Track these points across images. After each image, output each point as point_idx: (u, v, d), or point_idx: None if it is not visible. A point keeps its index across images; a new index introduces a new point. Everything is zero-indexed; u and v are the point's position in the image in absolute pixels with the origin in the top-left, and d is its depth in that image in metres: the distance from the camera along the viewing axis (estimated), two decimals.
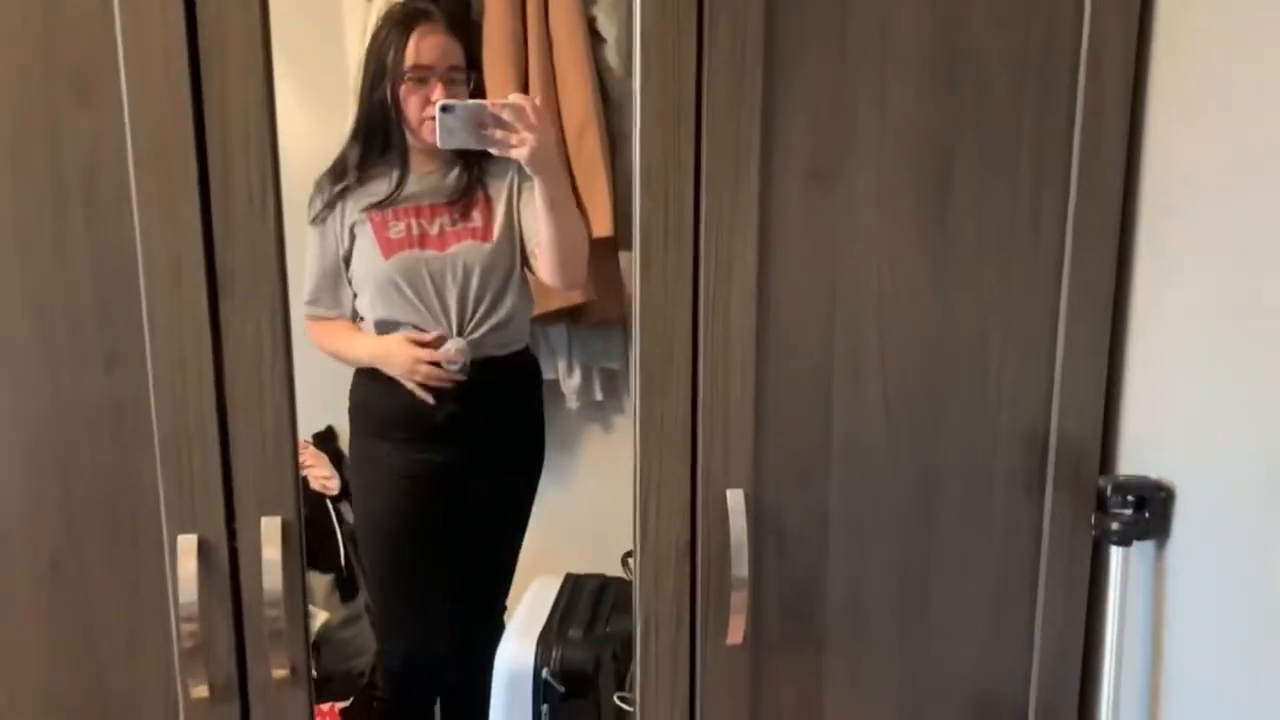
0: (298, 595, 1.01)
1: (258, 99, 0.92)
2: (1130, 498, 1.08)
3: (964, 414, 1.11)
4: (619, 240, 2.28)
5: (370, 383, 1.82)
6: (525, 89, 2.16)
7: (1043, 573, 1.15)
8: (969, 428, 1.12)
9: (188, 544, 0.97)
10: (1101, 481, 1.11)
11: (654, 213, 1.02)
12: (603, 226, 2.23)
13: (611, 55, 2.26)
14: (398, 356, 1.76)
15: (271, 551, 0.99)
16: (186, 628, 0.96)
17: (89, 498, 0.97)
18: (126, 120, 0.90)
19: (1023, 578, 1.16)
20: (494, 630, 1.98)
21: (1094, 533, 1.12)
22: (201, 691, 0.98)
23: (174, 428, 0.96)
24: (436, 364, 1.76)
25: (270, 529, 0.99)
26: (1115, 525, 1.08)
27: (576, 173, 2.23)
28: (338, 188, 1.76)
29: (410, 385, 1.78)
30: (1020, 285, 1.10)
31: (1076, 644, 1.16)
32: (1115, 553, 1.10)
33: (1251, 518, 0.96)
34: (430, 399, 1.78)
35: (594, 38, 2.24)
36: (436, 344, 1.76)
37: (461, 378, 1.77)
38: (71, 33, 0.89)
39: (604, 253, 2.30)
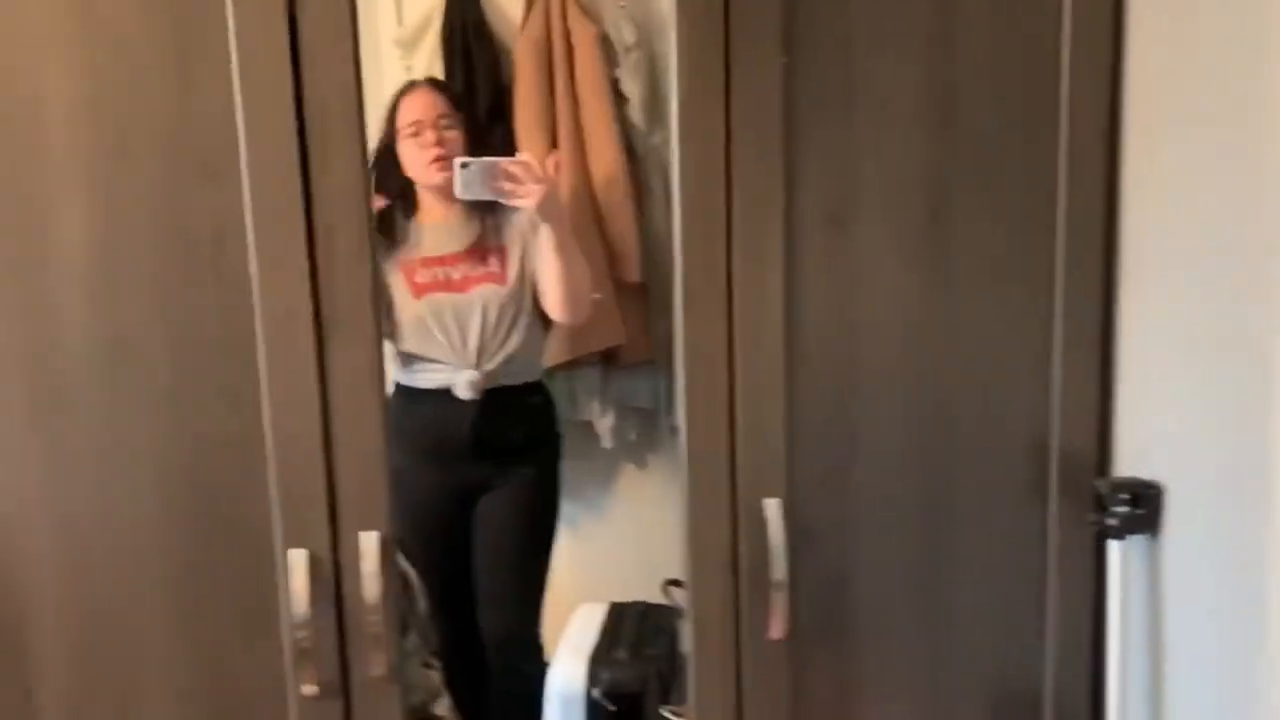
0: (393, 602, 1.15)
1: (355, 168, 1.08)
2: (1125, 496, 1.20)
3: (972, 428, 1.25)
4: (648, 284, 2.43)
5: (401, 403, 2.01)
6: (555, 147, 2.33)
7: (1050, 569, 1.27)
8: (977, 440, 1.25)
9: (298, 557, 1.11)
10: (1099, 483, 1.23)
11: (693, 257, 1.17)
12: (632, 273, 2.38)
13: (634, 113, 2.42)
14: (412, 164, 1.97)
15: (370, 563, 1.13)
16: (298, 633, 1.10)
17: (213, 516, 1.12)
18: (246, 191, 1.06)
19: (1032, 575, 1.28)
20: (530, 644, 2.12)
21: (1094, 530, 1.25)
22: (311, 689, 1.12)
23: (286, 455, 1.11)
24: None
25: (368, 543, 1.13)
26: (1113, 522, 1.21)
27: (606, 223, 2.38)
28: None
29: (428, 188, 1.97)
30: (1016, 308, 1.23)
31: (1084, 633, 1.28)
32: (1114, 547, 1.22)
33: (1229, 508, 1.09)
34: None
35: (617, 97, 2.41)
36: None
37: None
38: (200, 122, 1.06)
39: (634, 298, 2.45)
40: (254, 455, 1.11)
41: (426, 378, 2.00)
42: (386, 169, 1.98)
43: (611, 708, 2.01)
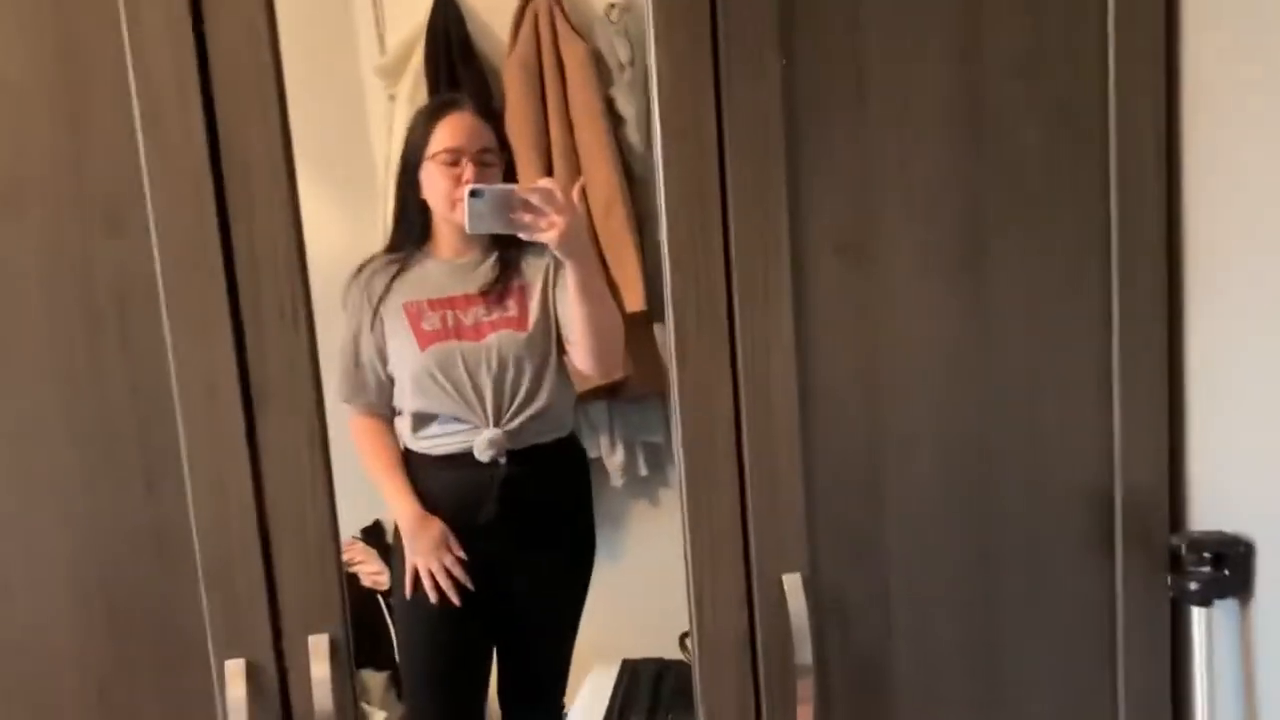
0: (349, 712, 0.99)
1: (283, 214, 0.92)
2: (1207, 554, 1.03)
3: (1020, 477, 1.07)
4: (652, 314, 2.28)
5: (414, 473, 1.78)
6: (549, 172, 2.18)
7: (1120, 638, 1.09)
8: (1027, 491, 1.08)
9: (236, 668, 0.95)
10: (1175, 539, 1.06)
11: (686, 296, 1.00)
12: (635, 301, 2.23)
13: (632, 133, 2.28)
14: (425, 542, 1.75)
15: (320, 669, 0.96)
16: None
17: (134, 622, 0.96)
18: (155, 245, 0.90)
19: (1099, 644, 1.10)
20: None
21: (1172, 593, 1.07)
22: None
23: (216, 548, 0.95)
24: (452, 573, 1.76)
25: (318, 646, 0.96)
26: (1193, 585, 1.03)
27: (605, 250, 2.24)
28: (373, 282, 1.76)
29: (410, 568, 1.76)
30: (1068, 341, 1.06)
31: (1164, 712, 1.10)
32: (1196, 614, 1.04)
33: None
34: (436, 597, 1.75)
35: (613, 117, 2.27)
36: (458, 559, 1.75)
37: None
38: (99, 164, 0.91)
39: (639, 327, 2.30)
40: (179, 552, 0.95)
41: (442, 441, 1.75)
42: (410, 198, 1.76)
43: None
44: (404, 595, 1.78)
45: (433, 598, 1.75)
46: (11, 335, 0.92)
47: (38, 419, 0.93)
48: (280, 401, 0.93)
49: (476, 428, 1.73)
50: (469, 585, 1.74)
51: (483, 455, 1.73)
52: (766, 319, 1.00)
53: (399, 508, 1.76)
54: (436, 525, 1.74)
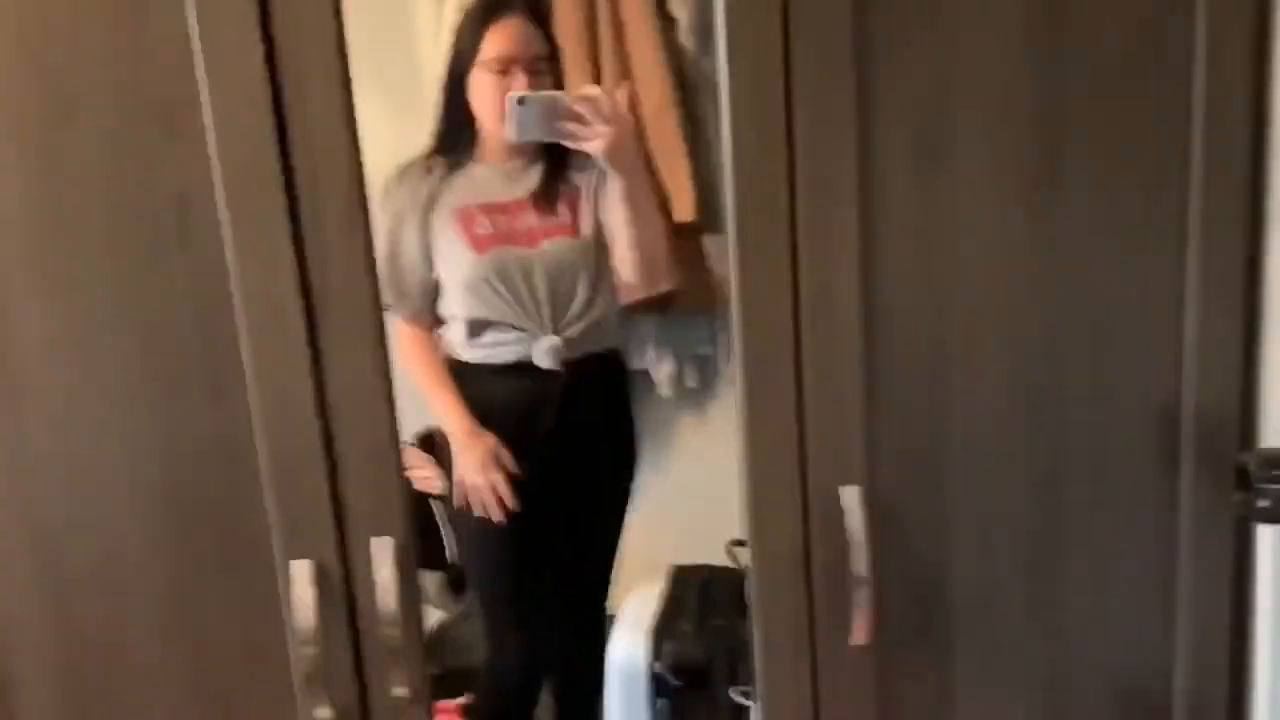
0: (413, 613, 1.01)
1: (339, 120, 0.90)
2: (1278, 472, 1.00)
3: (1087, 396, 1.05)
4: (703, 224, 2.25)
5: (475, 380, 1.78)
6: (598, 77, 2.13)
7: (1183, 558, 1.08)
8: (1095, 405, 1.05)
9: (302, 569, 0.97)
10: (1245, 457, 1.03)
11: (748, 200, 0.98)
12: (685, 211, 2.20)
13: (685, 37, 2.22)
14: (475, 458, 1.74)
15: (385, 572, 0.98)
16: (305, 651, 0.97)
17: (202, 526, 0.98)
18: (213, 151, 0.90)
19: (1162, 562, 1.09)
20: (597, 629, 1.96)
21: (1241, 511, 1.05)
22: (324, 713, 0.98)
23: (280, 454, 0.96)
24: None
25: (381, 549, 0.98)
26: (1264, 503, 1.01)
27: (655, 158, 2.20)
28: (420, 185, 1.73)
29: (459, 483, 1.75)
30: (1142, 254, 1.02)
31: (1222, 630, 1.09)
32: (1266, 533, 1.02)
33: None
34: (489, 512, 1.75)
35: (665, 19, 2.21)
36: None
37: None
38: (156, 70, 0.89)
39: (688, 237, 2.27)
40: (244, 458, 0.96)
41: (499, 350, 1.74)
42: (457, 105, 1.71)
43: (677, 682, 1.88)
44: (464, 510, 1.79)
45: (488, 512, 1.76)
46: (73, 242, 0.92)
47: (102, 327, 0.94)
48: (340, 307, 0.93)
49: (534, 335, 1.72)
50: (515, 505, 1.75)
51: (543, 362, 1.71)
52: (832, 222, 0.97)
53: (450, 421, 1.76)
54: (488, 440, 1.74)
